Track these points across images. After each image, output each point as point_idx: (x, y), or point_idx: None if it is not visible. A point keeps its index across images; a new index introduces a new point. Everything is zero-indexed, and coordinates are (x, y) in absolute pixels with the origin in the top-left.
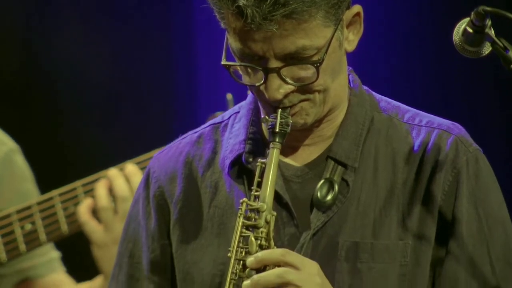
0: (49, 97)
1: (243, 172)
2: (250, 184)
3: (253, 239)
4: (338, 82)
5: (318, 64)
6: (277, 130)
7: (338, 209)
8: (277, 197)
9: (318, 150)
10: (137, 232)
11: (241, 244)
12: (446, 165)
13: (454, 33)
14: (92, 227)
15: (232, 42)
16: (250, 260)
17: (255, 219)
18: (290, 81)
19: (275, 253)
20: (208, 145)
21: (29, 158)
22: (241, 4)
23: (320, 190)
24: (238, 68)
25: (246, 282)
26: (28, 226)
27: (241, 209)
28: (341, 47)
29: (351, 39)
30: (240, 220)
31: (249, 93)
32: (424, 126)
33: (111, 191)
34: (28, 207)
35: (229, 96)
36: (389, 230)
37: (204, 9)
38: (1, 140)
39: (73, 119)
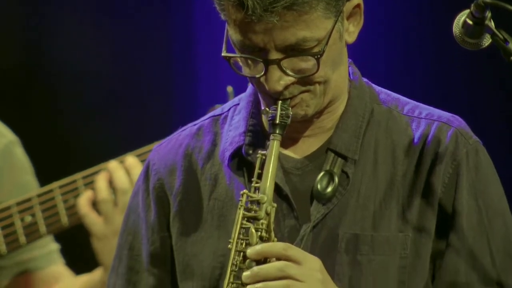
0: (49, 90)
1: (243, 164)
2: (250, 176)
3: (253, 230)
4: (338, 74)
5: (319, 56)
6: (277, 121)
7: (338, 201)
8: (277, 189)
9: (318, 142)
10: (136, 224)
11: (241, 236)
12: (446, 158)
13: (454, 25)
14: (92, 219)
15: (232, 34)
16: (250, 250)
17: (256, 211)
18: (290, 73)
19: (276, 246)
20: (207, 137)
21: (29, 151)
22: None
23: (320, 182)
24: (239, 59)
25: (246, 273)
26: (28, 218)
27: (241, 200)
28: (341, 38)
29: (352, 30)
30: (241, 212)
31: (249, 85)
32: (424, 119)
33: (111, 184)
34: (28, 199)
35: (229, 88)
36: (389, 222)
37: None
38: (0, 133)
39: (74, 111)
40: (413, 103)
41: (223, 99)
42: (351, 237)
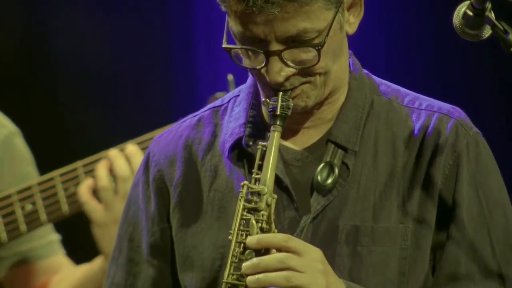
0: (50, 80)
1: (243, 155)
2: (250, 167)
3: (254, 221)
4: (339, 65)
5: (320, 47)
6: (278, 113)
7: (338, 192)
8: (277, 180)
9: (318, 134)
10: (137, 215)
11: (242, 227)
12: (446, 149)
13: (454, 16)
14: (93, 207)
15: (233, 25)
16: (250, 239)
17: (256, 202)
18: (291, 64)
19: (277, 237)
20: (207, 128)
21: (29, 141)
22: None
23: (320, 173)
24: (239, 51)
25: (246, 264)
26: (29, 207)
27: (242, 192)
28: (342, 29)
29: (352, 21)
30: (241, 203)
31: (249, 76)
32: (424, 110)
33: (111, 171)
34: (29, 188)
35: (230, 77)
36: (389, 214)
37: None
38: (1, 123)
39: (74, 100)
40: (413, 94)
41: (224, 88)
42: (351, 229)
